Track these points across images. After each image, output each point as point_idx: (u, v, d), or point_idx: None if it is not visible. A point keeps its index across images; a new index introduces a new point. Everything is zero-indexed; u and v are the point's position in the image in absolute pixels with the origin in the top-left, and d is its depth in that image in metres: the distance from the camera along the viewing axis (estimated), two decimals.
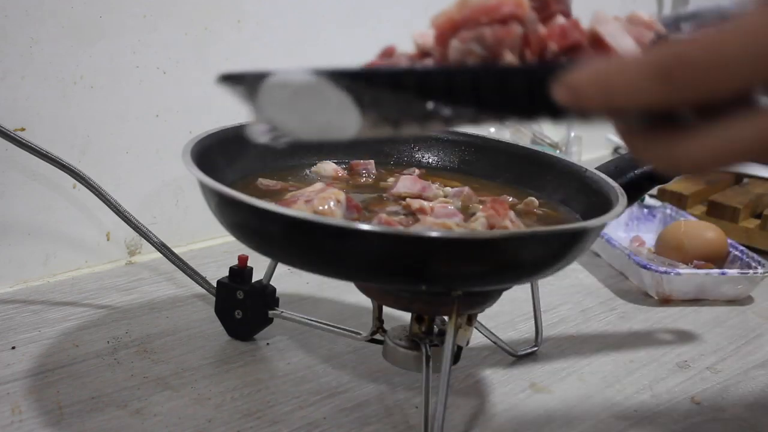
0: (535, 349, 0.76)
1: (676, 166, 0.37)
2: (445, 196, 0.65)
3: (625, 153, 0.74)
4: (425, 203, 0.60)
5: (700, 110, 0.35)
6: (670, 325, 0.85)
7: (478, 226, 0.56)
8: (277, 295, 0.74)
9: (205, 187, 0.57)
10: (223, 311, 0.74)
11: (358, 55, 0.50)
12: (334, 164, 0.70)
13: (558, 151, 1.16)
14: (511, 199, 0.66)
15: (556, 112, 0.37)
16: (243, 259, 0.72)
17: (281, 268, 0.73)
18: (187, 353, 0.71)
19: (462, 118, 0.39)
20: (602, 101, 0.35)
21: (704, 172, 0.38)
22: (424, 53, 0.45)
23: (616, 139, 1.45)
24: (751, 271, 0.89)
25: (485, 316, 0.71)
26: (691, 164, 0.36)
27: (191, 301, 0.81)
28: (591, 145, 1.33)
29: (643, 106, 0.35)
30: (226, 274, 0.73)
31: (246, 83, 0.42)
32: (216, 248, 0.94)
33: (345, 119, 0.40)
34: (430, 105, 0.39)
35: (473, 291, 0.57)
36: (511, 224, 0.58)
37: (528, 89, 0.38)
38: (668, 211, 1.06)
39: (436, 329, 0.61)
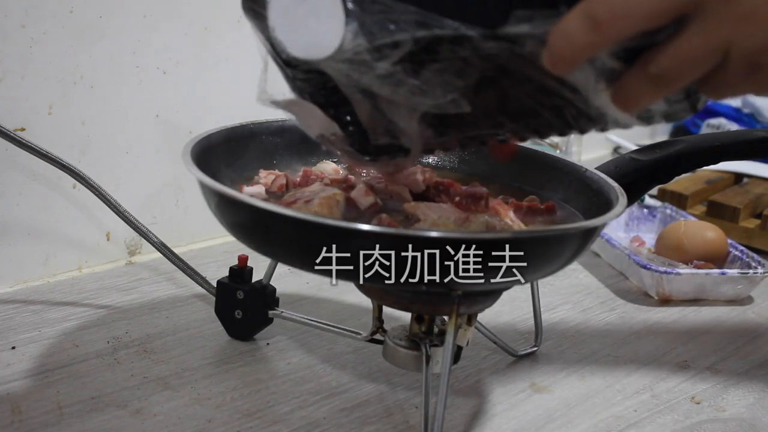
0: (535, 349, 0.76)
1: (591, 15, 0.41)
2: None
3: (625, 153, 0.74)
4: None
5: None
6: (670, 325, 0.85)
7: (478, 226, 0.56)
8: (277, 295, 0.74)
9: (205, 187, 0.57)
10: (223, 311, 0.74)
11: None
12: (334, 164, 0.70)
13: (558, 151, 1.16)
14: (511, 200, 0.66)
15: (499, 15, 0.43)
16: (243, 259, 0.72)
17: (281, 268, 0.73)
18: (187, 353, 0.71)
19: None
20: None
21: (616, 18, 0.41)
22: None
23: (616, 139, 1.45)
24: (751, 271, 0.89)
25: (485, 316, 0.71)
26: (605, 7, 0.41)
27: (191, 301, 0.81)
28: (591, 145, 1.33)
29: None
30: (226, 274, 0.73)
31: None
32: (216, 248, 0.94)
33: (330, 28, 0.45)
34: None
35: (473, 291, 0.57)
36: (512, 224, 0.58)
37: None
38: (668, 211, 1.06)
39: (436, 329, 0.61)
